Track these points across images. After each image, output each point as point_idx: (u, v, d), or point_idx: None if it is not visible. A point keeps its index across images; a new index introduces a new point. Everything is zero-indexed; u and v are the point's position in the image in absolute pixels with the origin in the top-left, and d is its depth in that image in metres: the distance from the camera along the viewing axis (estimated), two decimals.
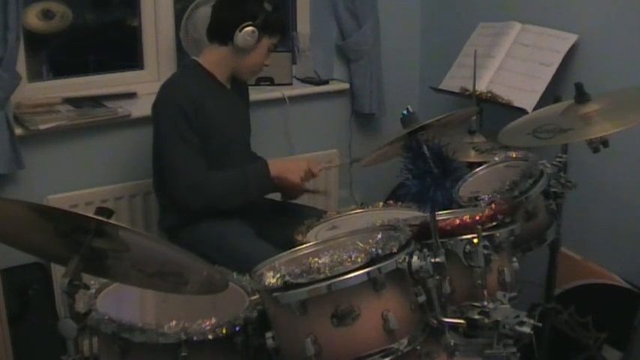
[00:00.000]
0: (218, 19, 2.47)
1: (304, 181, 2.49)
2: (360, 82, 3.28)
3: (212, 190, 2.38)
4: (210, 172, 2.39)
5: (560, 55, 2.69)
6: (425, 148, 1.55)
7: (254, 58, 2.46)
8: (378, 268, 1.51)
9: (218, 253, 2.22)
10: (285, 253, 1.78)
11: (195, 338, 1.57)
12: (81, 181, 2.75)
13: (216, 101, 2.46)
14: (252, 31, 2.39)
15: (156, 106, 2.44)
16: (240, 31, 2.38)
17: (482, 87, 2.80)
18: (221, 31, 2.44)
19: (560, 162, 2.20)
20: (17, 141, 2.54)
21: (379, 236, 1.57)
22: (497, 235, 1.82)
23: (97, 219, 1.46)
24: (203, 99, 2.40)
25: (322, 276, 1.48)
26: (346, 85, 3.32)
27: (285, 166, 2.49)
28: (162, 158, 2.41)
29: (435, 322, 1.60)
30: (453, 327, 1.62)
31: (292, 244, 1.93)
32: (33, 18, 2.84)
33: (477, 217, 1.80)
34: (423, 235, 1.68)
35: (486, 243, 1.73)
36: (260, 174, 2.43)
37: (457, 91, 2.91)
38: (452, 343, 1.58)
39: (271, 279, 1.51)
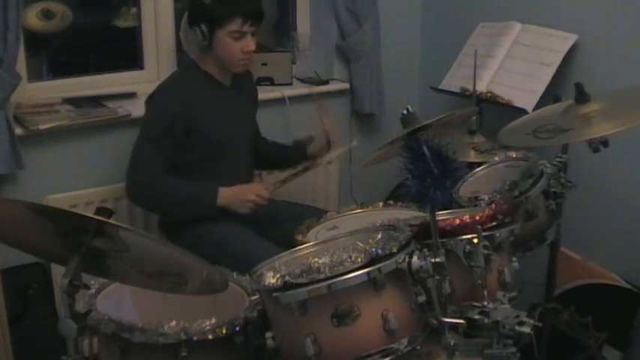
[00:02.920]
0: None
1: (253, 210, 2.45)
2: (360, 82, 3.28)
3: (157, 193, 2.42)
4: (165, 177, 2.41)
5: (560, 55, 2.69)
6: (425, 148, 1.55)
7: (220, 51, 2.43)
8: (378, 268, 1.51)
9: (218, 253, 2.22)
10: (285, 253, 1.78)
11: (195, 338, 1.57)
12: (81, 181, 2.75)
13: (213, 100, 2.49)
14: (195, 30, 2.41)
15: (148, 102, 2.49)
16: (189, 35, 2.44)
17: (482, 87, 2.80)
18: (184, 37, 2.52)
19: (560, 162, 2.20)
20: (17, 141, 2.54)
21: (379, 236, 1.57)
22: (498, 235, 1.82)
23: (97, 219, 1.46)
24: (199, 99, 2.43)
25: (322, 276, 1.48)
26: (346, 85, 3.32)
27: (233, 198, 2.44)
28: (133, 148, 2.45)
29: (435, 322, 1.60)
30: (453, 327, 1.62)
31: (292, 244, 1.93)
32: (33, 18, 2.85)
33: (477, 217, 1.80)
34: (423, 235, 1.68)
35: (486, 243, 1.74)
36: (206, 199, 2.43)
37: (457, 91, 2.91)
38: (452, 343, 1.58)
39: (271, 279, 1.51)
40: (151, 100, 2.48)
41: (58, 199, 2.66)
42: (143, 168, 2.41)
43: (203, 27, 2.38)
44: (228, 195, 2.43)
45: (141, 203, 2.53)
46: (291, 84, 3.20)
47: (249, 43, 2.43)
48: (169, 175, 2.43)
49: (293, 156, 2.73)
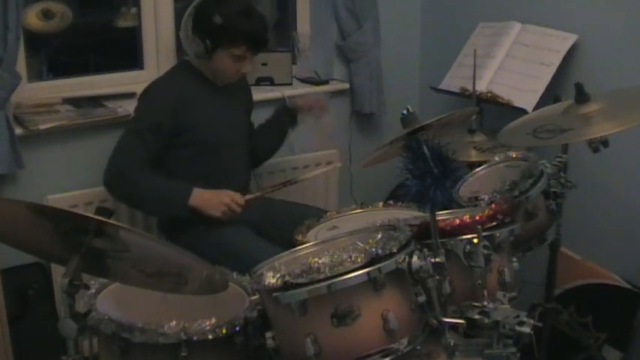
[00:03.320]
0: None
1: (227, 215, 2.42)
2: (360, 82, 3.28)
3: (132, 185, 2.40)
4: (144, 172, 2.39)
5: (560, 55, 2.69)
6: (425, 148, 1.55)
7: (217, 65, 2.45)
8: (378, 268, 1.51)
9: (218, 253, 2.22)
10: (285, 253, 1.78)
11: (195, 338, 1.57)
12: (81, 181, 2.75)
13: (205, 100, 2.49)
14: (198, 43, 2.41)
15: (140, 96, 2.51)
16: (189, 40, 2.44)
17: (482, 87, 2.80)
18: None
19: (560, 162, 2.20)
20: (17, 141, 2.54)
21: (379, 236, 1.57)
22: (498, 235, 1.82)
23: (97, 219, 1.46)
24: (191, 98, 2.44)
25: (322, 276, 1.48)
26: (346, 85, 3.32)
27: (206, 199, 2.41)
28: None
29: (435, 322, 1.60)
30: (453, 327, 1.62)
31: (292, 244, 1.93)
32: (33, 18, 2.85)
33: (477, 217, 1.80)
34: (423, 235, 1.68)
35: (486, 243, 1.74)
36: (178, 198, 2.40)
37: (457, 91, 2.91)
38: (452, 343, 1.58)
39: (271, 279, 1.51)
40: (144, 95, 2.49)
41: (58, 199, 2.66)
42: (124, 159, 2.40)
43: (207, 42, 2.39)
44: (202, 197, 2.40)
45: (116, 194, 2.46)
46: (291, 84, 3.20)
47: (247, 66, 2.48)
48: (153, 172, 2.41)
49: (275, 120, 2.75)
